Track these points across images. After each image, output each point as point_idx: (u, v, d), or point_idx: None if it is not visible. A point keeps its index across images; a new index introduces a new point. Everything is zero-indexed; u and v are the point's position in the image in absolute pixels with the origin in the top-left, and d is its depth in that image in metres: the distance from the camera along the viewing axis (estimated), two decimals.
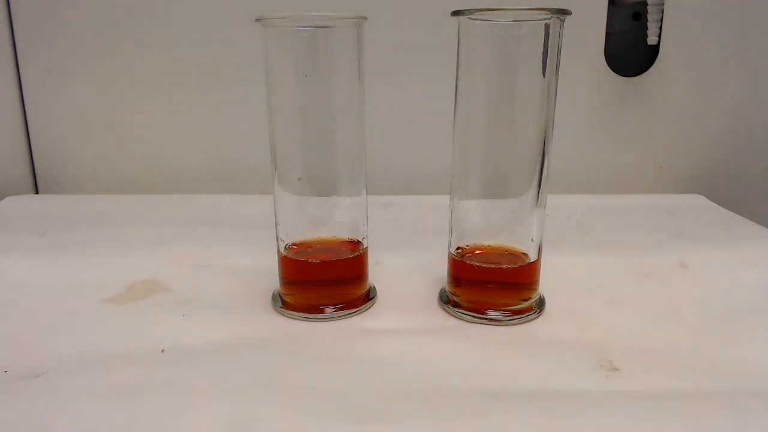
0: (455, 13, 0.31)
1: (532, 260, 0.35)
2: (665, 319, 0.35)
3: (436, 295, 0.38)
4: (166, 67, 0.61)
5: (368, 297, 0.37)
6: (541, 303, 0.37)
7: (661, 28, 0.59)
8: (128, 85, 0.61)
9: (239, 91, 0.61)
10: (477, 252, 0.36)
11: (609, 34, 0.59)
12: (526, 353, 0.31)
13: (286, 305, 0.36)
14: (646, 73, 0.60)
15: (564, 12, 0.30)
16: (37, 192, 0.65)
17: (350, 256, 0.36)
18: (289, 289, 0.36)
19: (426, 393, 0.28)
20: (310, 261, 0.36)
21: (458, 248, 0.36)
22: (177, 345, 0.31)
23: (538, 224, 0.35)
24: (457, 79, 0.33)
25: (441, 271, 0.38)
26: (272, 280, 0.38)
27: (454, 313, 0.36)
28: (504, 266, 0.35)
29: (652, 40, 0.58)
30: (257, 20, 0.31)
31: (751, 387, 0.28)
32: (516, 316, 0.35)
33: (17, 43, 0.60)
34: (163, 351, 0.31)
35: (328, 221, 0.36)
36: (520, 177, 0.34)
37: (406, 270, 0.42)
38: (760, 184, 0.66)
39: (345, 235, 0.36)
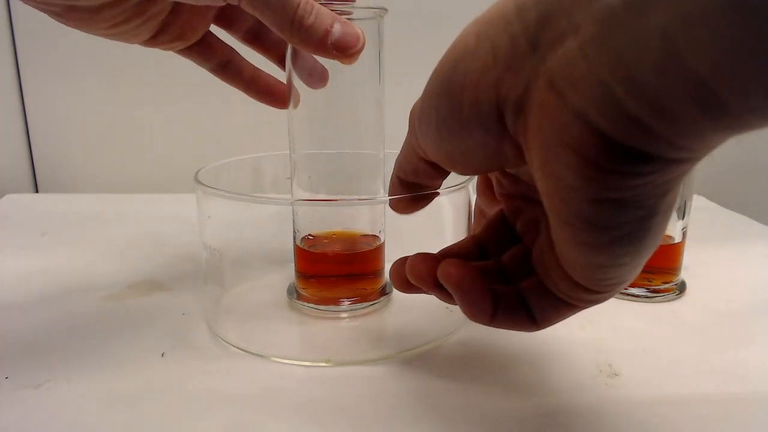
0: None
1: None
2: (665, 319, 0.35)
3: None
4: (165, 67, 0.61)
5: (384, 291, 0.36)
6: None
7: None
8: (128, 85, 0.62)
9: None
10: None
11: None
12: (526, 353, 0.31)
13: (300, 297, 0.35)
14: None
15: None
16: (37, 192, 0.65)
17: (366, 250, 0.36)
18: (305, 282, 0.36)
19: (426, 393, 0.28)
20: (325, 253, 0.35)
21: None
22: (177, 346, 0.31)
23: None
24: None
25: None
26: (273, 283, 0.38)
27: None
28: None
29: None
30: None
31: (751, 389, 0.28)
32: None
33: (17, 43, 0.60)
34: (163, 355, 0.31)
35: (344, 216, 0.36)
36: None
37: None
38: (760, 183, 0.66)
39: (361, 229, 0.36)
